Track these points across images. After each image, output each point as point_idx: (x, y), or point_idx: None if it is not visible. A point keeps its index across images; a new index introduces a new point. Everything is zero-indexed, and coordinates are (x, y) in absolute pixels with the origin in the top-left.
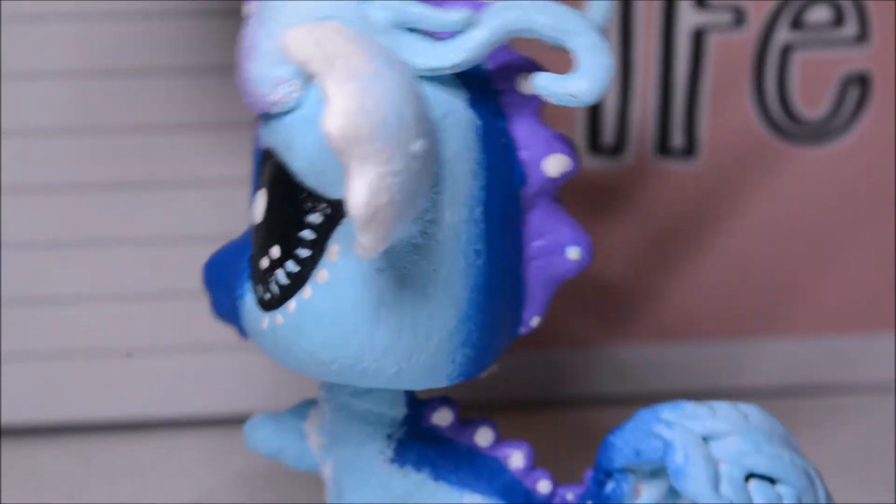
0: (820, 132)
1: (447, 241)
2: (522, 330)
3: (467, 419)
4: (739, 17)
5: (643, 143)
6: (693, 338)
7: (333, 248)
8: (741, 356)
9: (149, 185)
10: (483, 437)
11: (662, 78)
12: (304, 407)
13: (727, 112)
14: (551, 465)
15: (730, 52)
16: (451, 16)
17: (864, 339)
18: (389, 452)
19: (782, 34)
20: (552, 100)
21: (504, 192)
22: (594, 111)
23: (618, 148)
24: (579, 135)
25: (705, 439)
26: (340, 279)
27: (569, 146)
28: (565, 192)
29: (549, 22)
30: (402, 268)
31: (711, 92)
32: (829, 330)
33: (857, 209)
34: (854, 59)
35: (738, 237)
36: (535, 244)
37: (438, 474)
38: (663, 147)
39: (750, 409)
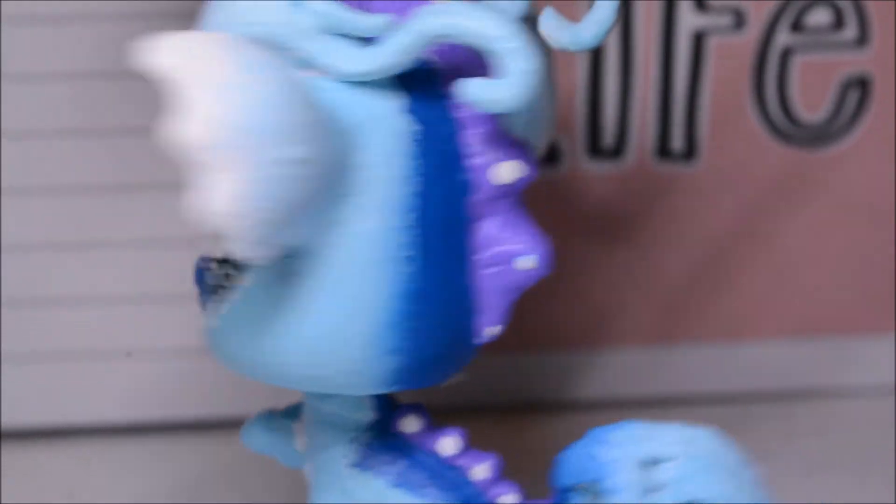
0: (820, 135)
1: (365, 248)
2: (477, 340)
3: (435, 427)
4: (740, 20)
5: (643, 146)
6: (693, 340)
7: None
8: (743, 358)
9: (149, 186)
10: (447, 445)
11: (662, 81)
12: (299, 407)
13: (727, 115)
14: (530, 472)
15: (730, 54)
16: (372, 21)
17: (865, 342)
18: (353, 457)
19: (782, 37)
20: (478, 106)
21: (447, 200)
22: (594, 114)
23: (618, 151)
24: (579, 138)
25: (646, 463)
26: (258, 284)
27: (523, 152)
28: (564, 195)
29: (473, 26)
30: (317, 275)
31: (712, 95)
32: (829, 332)
33: (857, 212)
34: (854, 62)
35: (738, 239)
36: (489, 252)
37: (398, 482)
38: (663, 150)
39: (699, 434)
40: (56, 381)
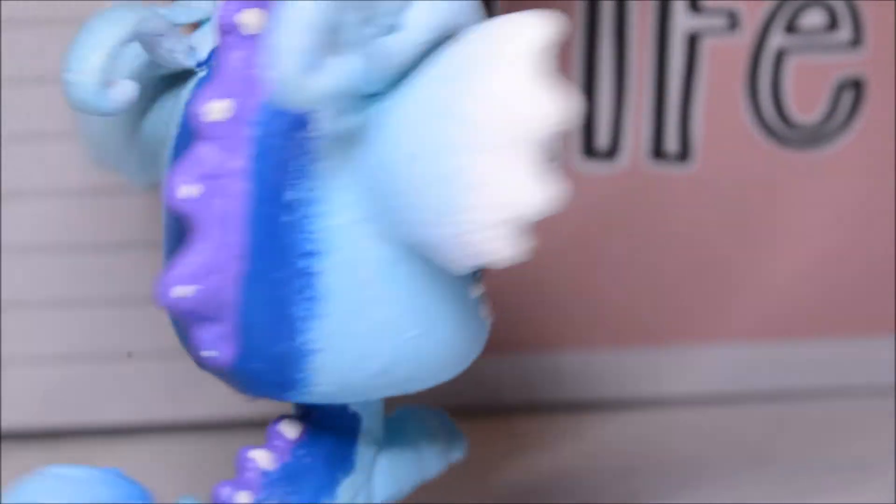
0: (814, 137)
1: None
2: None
3: (290, 441)
4: (734, 22)
5: (637, 148)
6: (690, 342)
7: None
8: (740, 360)
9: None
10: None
11: (657, 82)
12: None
13: (721, 116)
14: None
15: (724, 56)
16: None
17: (863, 344)
18: None
19: (776, 38)
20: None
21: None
22: (589, 115)
23: (612, 152)
24: (573, 139)
25: None
26: None
27: (180, 177)
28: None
29: None
30: None
31: (706, 96)
32: (828, 334)
33: (852, 213)
34: (848, 64)
35: (733, 241)
36: None
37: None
38: (657, 151)
39: None
40: (57, 381)
